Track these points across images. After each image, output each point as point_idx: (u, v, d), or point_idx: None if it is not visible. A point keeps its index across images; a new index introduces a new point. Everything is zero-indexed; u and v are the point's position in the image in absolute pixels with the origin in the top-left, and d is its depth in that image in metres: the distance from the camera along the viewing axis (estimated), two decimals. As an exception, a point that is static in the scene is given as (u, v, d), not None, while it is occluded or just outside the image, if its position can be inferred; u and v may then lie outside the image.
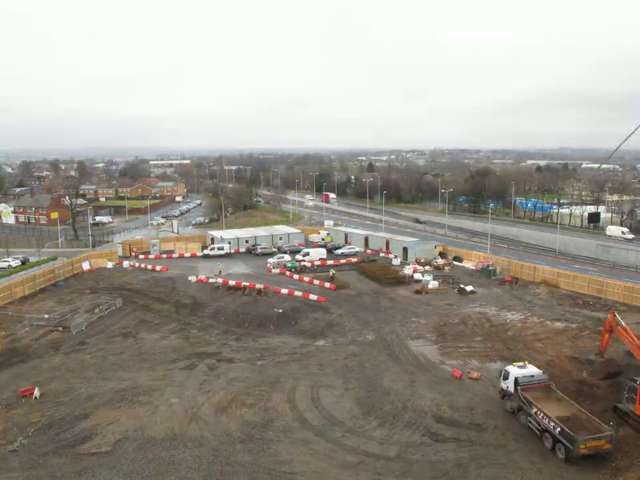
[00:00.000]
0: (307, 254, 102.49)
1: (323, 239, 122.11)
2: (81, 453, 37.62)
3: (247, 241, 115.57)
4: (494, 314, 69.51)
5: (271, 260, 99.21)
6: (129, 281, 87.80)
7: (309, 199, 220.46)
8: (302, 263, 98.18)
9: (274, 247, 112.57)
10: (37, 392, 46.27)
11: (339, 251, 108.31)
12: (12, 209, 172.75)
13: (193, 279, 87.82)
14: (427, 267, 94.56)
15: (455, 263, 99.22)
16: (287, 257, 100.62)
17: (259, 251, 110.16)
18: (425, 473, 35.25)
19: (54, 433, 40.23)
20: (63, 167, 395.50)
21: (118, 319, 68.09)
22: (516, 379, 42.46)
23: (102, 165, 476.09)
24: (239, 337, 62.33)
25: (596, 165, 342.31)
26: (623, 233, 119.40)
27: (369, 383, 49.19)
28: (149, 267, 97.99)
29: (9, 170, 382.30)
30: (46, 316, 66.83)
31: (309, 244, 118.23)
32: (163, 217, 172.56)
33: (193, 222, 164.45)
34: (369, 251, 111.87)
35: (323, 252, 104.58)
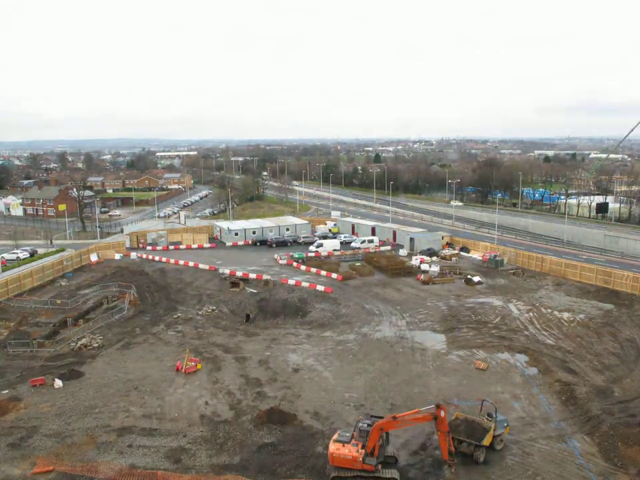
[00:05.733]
0: (321, 245, 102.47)
1: (330, 230, 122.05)
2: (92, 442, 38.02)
3: (254, 232, 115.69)
4: (501, 304, 69.42)
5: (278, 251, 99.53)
6: (136, 272, 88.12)
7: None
8: (311, 254, 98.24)
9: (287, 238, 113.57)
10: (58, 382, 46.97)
11: (354, 244, 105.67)
12: (20, 201, 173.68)
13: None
14: (434, 258, 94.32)
15: (462, 253, 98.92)
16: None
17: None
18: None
19: (64, 423, 40.62)
20: (70, 159, 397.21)
21: (125, 311, 68.32)
22: None
23: (109, 156, 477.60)
24: (246, 327, 62.59)
25: (604, 155, 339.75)
26: None
27: (377, 373, 49.33)
28: (157, 257, 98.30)
29: (17, 162, 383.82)
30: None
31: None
32: (177, 209, 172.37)
33: (199, 213, 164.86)
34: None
35: (336, 243, 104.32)
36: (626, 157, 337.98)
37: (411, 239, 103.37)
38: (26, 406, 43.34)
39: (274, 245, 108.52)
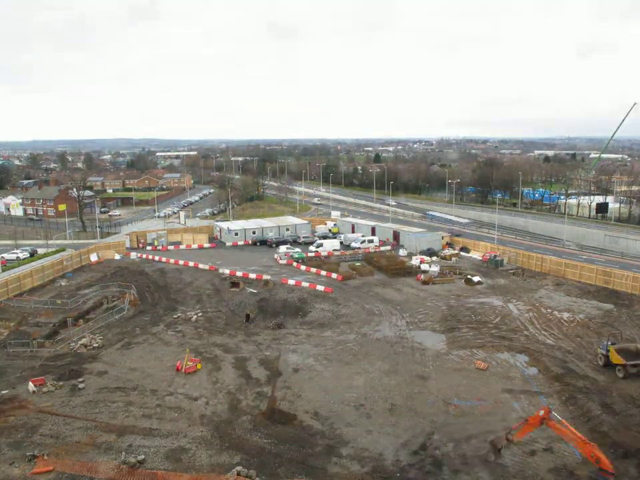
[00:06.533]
0: (321, 245, 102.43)
1: (330, 230, 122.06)
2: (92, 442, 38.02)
3: (254, 232, 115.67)
4: (501, 304, 69.45)
5: (279, 250, 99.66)
6: (136, 272, 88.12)
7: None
8: (310, 254, 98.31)
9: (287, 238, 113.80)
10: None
11: (354, 244, 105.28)
12: (20, 201, 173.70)
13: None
14: (434, 258, 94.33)
15: (462, 253, 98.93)
16: (297, 248, 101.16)
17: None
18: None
19: (64, 423, 40.60)
20: (70, 159, 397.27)
21: (125, 312, 68.30)
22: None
23: (109, 156, 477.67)
24: (246, 327, 62.57)
25: (605, 155, 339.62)
26: None
27: (377, 373, 49.35)
28: (157, 258, 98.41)
29: (17, 162, 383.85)
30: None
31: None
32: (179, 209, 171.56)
33: (199, 213, 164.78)
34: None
35: (336, 243, 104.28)
36: (626, 156, 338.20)
37: (411, 239, 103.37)
38: (26, 406, 43.39)
39: (274, 245, 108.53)
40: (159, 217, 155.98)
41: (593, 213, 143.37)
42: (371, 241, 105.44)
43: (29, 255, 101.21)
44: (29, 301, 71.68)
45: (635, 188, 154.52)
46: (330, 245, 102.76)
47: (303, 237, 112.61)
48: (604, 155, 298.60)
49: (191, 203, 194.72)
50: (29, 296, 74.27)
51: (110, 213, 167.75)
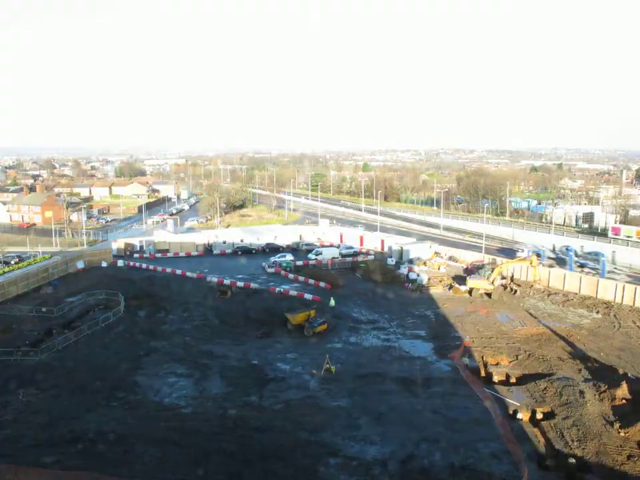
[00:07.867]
0: (320, 253, 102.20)
1: (318, 238, 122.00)
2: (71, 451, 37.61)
3: (241, 240, 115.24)
4: (488, 312, 69.71)
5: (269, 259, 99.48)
6: (124, 280, 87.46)
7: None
8: (309, 263, 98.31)
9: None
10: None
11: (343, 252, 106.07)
12: (6, 207, 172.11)
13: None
14: (422, 267, 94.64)
15: (450, 262, 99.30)
16: (289, 256, 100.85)
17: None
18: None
19: (53, 430, 40.11)
20: (57, 165, 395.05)
21: (112, 320, 67.75)
22: None
23: (97, 163, 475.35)
24: (233, 336, 62.28)
25: (591, 166, 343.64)
26: None
27: (363, 382, 49.26)
28: (144, 265, 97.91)
29: (2, 167, 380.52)
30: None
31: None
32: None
33: (186, 221, 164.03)
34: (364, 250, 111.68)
35: (335, 251, 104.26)
36: (612, 167, 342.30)
37: (399, 248, 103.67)
38: (12, 415, 42.93)
39: (267, 250, 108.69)
40: (146, 224, 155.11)
41: (580, 222, 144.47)
42: (356, 252, 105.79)
43: (13, 263, 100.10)
44: (13, 309, 70.84)
45: (620, 201, 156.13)
46: (329, 253, 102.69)
47: (293, 245, 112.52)
48: (591, 165, 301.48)
49: (180, 211, 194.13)
50: (14, 304, 73.41)
51: (97, 220, 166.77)
